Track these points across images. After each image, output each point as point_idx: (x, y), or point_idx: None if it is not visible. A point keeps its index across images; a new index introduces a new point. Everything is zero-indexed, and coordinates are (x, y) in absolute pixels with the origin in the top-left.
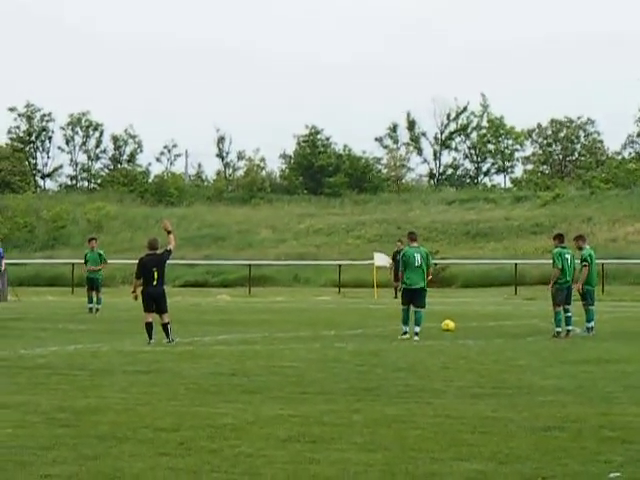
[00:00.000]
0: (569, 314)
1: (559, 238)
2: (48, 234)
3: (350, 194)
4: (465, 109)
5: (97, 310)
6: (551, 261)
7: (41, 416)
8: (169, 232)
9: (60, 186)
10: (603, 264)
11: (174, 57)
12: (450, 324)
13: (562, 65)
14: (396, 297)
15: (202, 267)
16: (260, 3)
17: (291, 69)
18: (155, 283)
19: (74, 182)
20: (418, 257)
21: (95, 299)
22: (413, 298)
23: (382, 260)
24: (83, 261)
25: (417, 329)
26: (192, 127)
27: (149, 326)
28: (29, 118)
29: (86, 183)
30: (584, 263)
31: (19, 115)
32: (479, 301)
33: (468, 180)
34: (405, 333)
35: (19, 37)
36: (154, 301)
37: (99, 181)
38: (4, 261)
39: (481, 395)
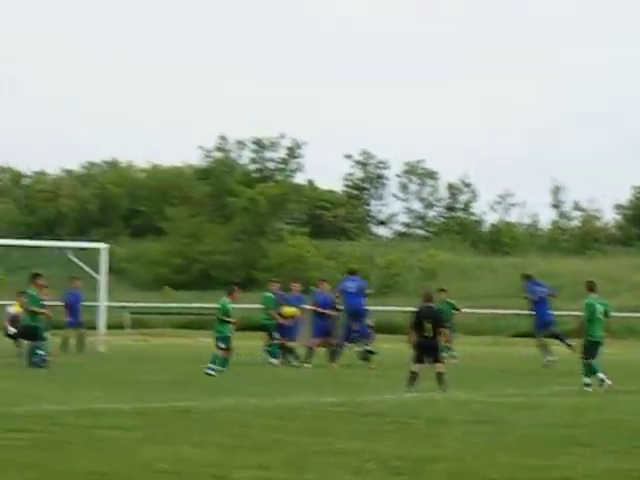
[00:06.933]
0: None
1: None
2: (381, 281)
3: None
4: None
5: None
6: None
7: (379, 464)
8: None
9: (394, 233)
10: None
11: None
12: None
13: None
14: None
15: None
16: None
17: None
18: (427, 335)
19: (408, 229)
20: (601, 309)
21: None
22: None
23: None
24: None
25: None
26: (528, 177)
27: (414, 375)
28: (364, 165)
29: (420, 231)
30: None
31: (355, 162)
32: None
33: None
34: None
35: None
36: (425, 352)
37: (433, 229)
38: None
39: None
